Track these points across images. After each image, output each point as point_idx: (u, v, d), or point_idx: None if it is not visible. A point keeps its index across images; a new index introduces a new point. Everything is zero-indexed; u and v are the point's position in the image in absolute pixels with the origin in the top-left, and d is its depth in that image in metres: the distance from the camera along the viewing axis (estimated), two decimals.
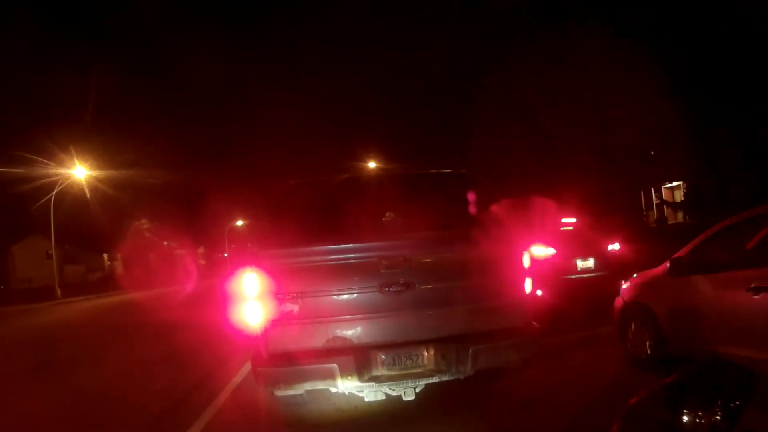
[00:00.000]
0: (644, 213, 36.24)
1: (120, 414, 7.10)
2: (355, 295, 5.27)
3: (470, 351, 5.17)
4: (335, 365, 5.04)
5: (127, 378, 9.16)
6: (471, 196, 5.81)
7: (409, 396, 5.34)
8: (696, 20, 25.63)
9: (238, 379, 8.02)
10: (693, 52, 26.15)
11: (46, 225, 43.62)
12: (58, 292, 40.33)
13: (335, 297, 5.28)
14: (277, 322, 5.22)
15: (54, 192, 40.90)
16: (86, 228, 59.18)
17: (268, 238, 5.63)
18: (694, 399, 1.84)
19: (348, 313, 5.28)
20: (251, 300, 5.26)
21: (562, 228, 12.34)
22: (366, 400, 5.46)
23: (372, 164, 40.23)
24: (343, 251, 5.35)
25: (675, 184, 34.09)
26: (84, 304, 34.42)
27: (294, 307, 5.20)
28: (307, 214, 6.02)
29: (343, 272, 5.28)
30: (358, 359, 5.09)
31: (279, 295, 5.20)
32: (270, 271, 5.27)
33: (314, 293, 5.24)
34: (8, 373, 10.77)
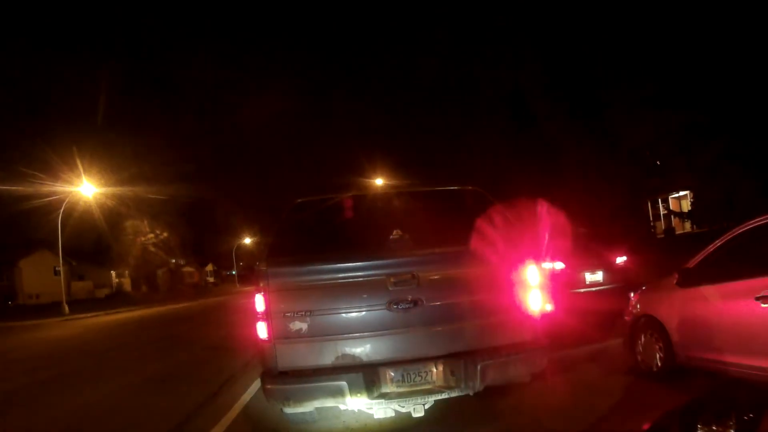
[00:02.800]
0: (651, 223, 36.16)
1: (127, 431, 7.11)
2: (364, 312, 5.27)
3: (479, 366, 5.16)
4: (344, 382, 5.04)
5: (135, 394, 9.16)
6: (479, 212, 5.80)
7: (418, 413, 5.33)
8: (699, 28, 25.63)
9: (247, 396, 8.00)
10: (698, 61, 26.14)
11: (54, 240, 43.71)
12: (66, 308, 40.34)
13: (344, 314, 5.28)
14: (286, 340, 5.22)
15: (62, 208, 41.02)
16: (94, 244, 59.39)
17: (277, 256, 5.62)
18: (708, 417, 1.84)
19: (357, 331, 5.28)
20: (261, 317, 5.26)
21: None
22: (375, 417, 5.46)
23: (379, 181, 40.30)
24: (352, 269, 5.35)
25: (682, 193, 34.00)
26: (92, 320, 34.46)
27: (303, 325, 5.20)
28: (314, 232, 6.03)
29: (352, 290, 5.28)
30: (368, 376, 5.08)
31: (288, 312, 5.21)
32: (279, 289, 5.28)
33: (323, 311, 5.24)
34: (17, 387, 10.78)
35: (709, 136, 26.16)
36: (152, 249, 69.77)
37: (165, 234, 70.82)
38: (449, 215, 5.88)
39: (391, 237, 5.76)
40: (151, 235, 68.71)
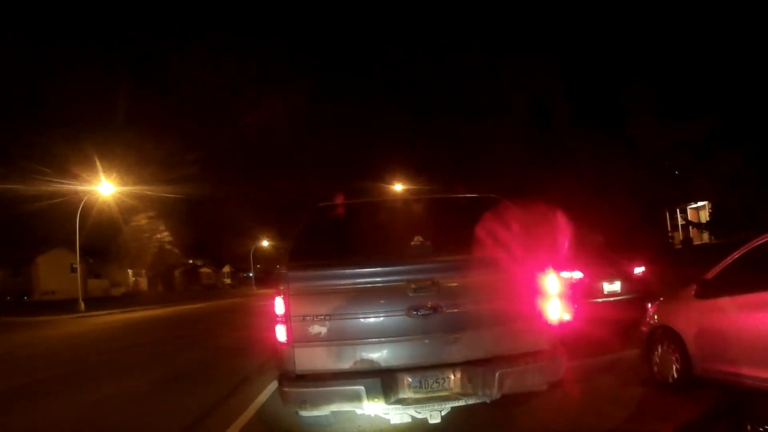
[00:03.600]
0: (669, 234, 35.99)
1: (140, 430, 7.17)
2: (383, 317, 5.29)
3: (497, 374, 5.17)
4: (362, 387, 5.06)
5: (150, 393, 9.22)
6: (499, 220, 5.81)
7: (434, 419, 5.35)
8: (721, 38, 25.54)
9: (262, 398, 8.03)
10: (717, 71, 26.03)
11: (72, 238, 43.99)
12: (82, 305, 40.57)
13: (363, 319, 5.30)
14: (305, 343, 5.25)
15: (80, 207, 41.29)
16: (111, 243, 59.66)
17: (298, 260, 5.66)
18: (724, 429, 1.85)
19: (375, 336, 5.30)
20: (280, 320, 5.29)
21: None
22: (392, 422, 5.47)
23: (398, 186, 40.33)
24: (372, 274, 5.37)
25: (700, 204, 33.83)
26: (107, 318, 34.61)
27: (322, 329, 5.23)
28: (336, 237, 6.05)
29: (372, 295, 5.30)
30: (385, 382, 5.10)
31: (308, 316, 5.24)
32: (299, 293, 5.31)
33: (342, 315, 5.27)
34: (31, 383, 10.88)
35: (727, 147, 26.04)
36: (168, 248, 69.99)
37: (184, 235, 71.08)
38: (470, 223, 5.90)
39: (411, 243, 5.78)
40: (166, 233, 68.91)
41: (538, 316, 5.57)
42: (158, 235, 67.72)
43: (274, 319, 5.36)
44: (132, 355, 14.90)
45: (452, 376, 5.24)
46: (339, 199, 6.61)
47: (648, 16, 28.93)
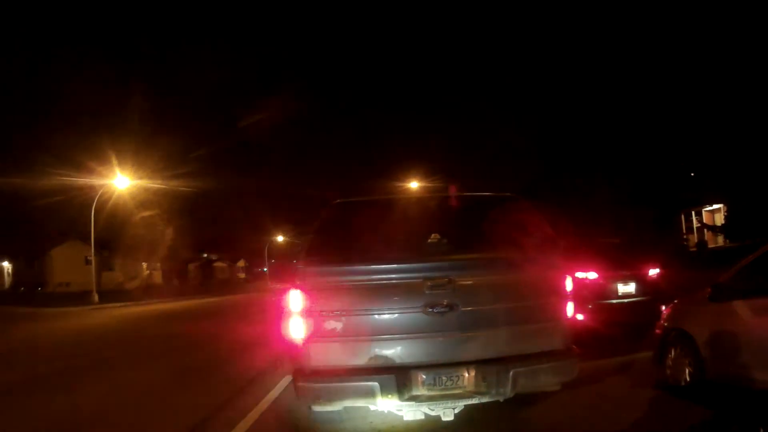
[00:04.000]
0: (684, 236, 35.84)
1: (152, 422, 7.22)
2: (398, 314, 5.32)
3: (511, 373, 5.19)
4: (376, 383, 5.08)
5: (162, 386, 9.30)
6: (515, 219, 5.83)
7: (447, 416, 5.37)
8: (735, 43, 25.46)
9: (275, 392, 8.07)
10: (734, 74, 25.94)
11: (86, 231, 44.28)
12: (96, 297, 40.81)
13: (378, 316, 5.33)
14: (320, 338, 5.28)
15: (95, 200, 41.53)
16: (125, 236, 59.88)
17: (315, 255, 5.69)
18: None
19: (390, 333, 5.32)
20: (296, 315, 5.32)
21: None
22: (405, 419, 5.50)
23: (414, 184, 40.33)
24: (388, 271, 5.40)
25: (715, 207, 33.68)
26: (121, 310, 34.80)
27: (338, 325, 5.26)
28: (353, 233, 6.07)
29: (388, 292, 5.33)
30: (399, 378, 5.12)
31: (323, 311, 5.27)
32: (315, 288, 5.34)
33: (358, 311, 5.30)
34: (49, 373, 10.98)
35: (743, 150, 25.94)
36: (182, 241, 70.16)
37: (198, 229, 71.25)
38: (487, 222, 5.91)
39: (428, 241, 5.81)
40: (180, 227, 69.07)
41: (553, 316, 5.59)
42: (172, 229, 67.90)
43: (289, 314, 5.39)
44: (145, 348, 15.00)
45: (466, 374, 5.26)
46: (356, 196, 6.64)
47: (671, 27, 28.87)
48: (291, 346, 5.50)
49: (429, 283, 5.28)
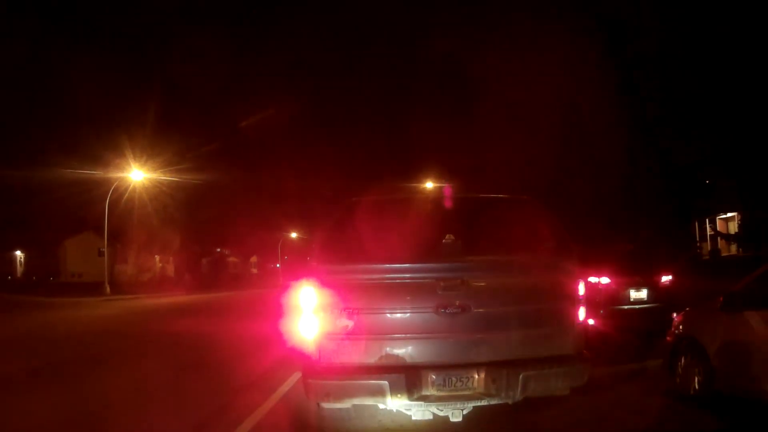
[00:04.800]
0: (698, 244, 35.65)
1: (162, 415, 7.20)
2: (411, 314, 5.33)
3: (521, 376, 5.19)
4: (386, 382, 5.10)
5: (170, 380, 9.28)
6: (531, 223, 5.84)
7: (456, 417, 5.38)
8: (751, 46, 25.28)
9: (284, 388, 8.11)
10: (749, 80, 25.76)
11: (100, 223, 44.54)
12: (107, 288, 41.05)
13: (390, 315, 5.35)
14: (331, 336, 5.30)
15: (110, 193, 41.75)
16: (139, 229, 60.11)
17: (328, 253, 5.72)
18: None
19: (402, 332, 5.34)
20: (308, 312, 5.35)
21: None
22: (413, 418, 5.52)
23: (429, 184, 40.27)
24: (402, 270, 5.42)
25: (729, 215, 33.49)
26: (132, 302, 35.01)
27: (349, 323, 5.27)
28: (367, 232, 6.09)
29: (401, 291, 5.35)
30: (409, 378, 5.13)
31: (335, 309, 5.29)
32: (328, 285, 5.36)
33: (370, 310, 5.31)
34: (61, 362, 11.06)
35: (759, 159, 25.79)
36: (197, 236, 70.38)
37: (212, 223, 71.39)
38: (502, 224, 5.92)
39: (443, 241, 5.81)
40: (198, 224, 69.29)
41: (565, 320, 5.59)
42: (186, 223, 68.07)
43: (301, 311, 5.42)
44: (154, 341, 15.06)
45: (476, 376, 5.26)
46: (371, 195, 6.66)
47: (680, 27, 28.66)
48: (301, 342, 5.52)
49: (442, 284, 5.29)
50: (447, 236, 5.85)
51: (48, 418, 7.12)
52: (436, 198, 7.32)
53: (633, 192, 29.94)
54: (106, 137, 44.10)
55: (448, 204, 6.53)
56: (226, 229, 74.79)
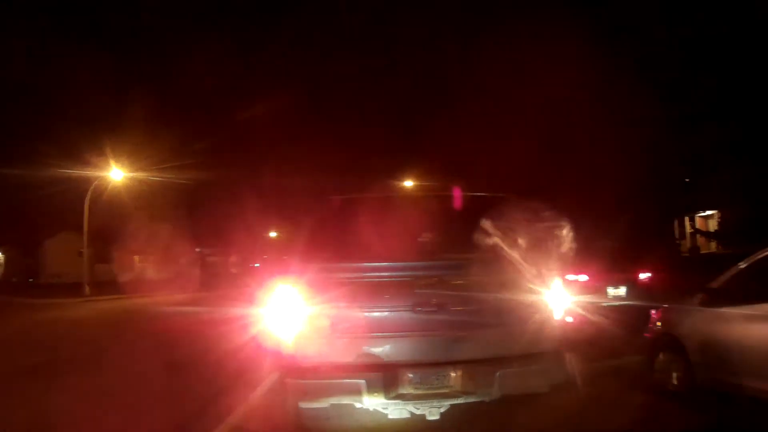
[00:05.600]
0: (677, 241, 35.86)
1: (139, 417, 7.14)
2: (387, 313, 5.31)
3: (497, 374, 5.19)
4: (363, 381, 5.08)
5: (150, 381, 9.20)
6: (509, 220, 5.82)
7: (433, 416, 5.36)
8: (732, 45, 25.46)
9: (263, 389, 8.04)
10: (730, 77, 25.94)
11: (79, 223, 44.21)
12: (87, 289, 40.73)
13: (367, 314, 5.32)
14: (308, 335, 5.27)
15: (89, 193, 41.45)
16: (119, 229, 59.80)
17: (305, 252, 5.68)
18: None
19: (379, 331, 5.32)
20: (284, 311, 5.30)
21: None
22: (390, 417, 5.48)
23: (408, 183, 40.26)
24: (379, 269, 5.40)
25: (709, 213, 33.73)
26: (112, 303, 34.77)
27: (326, 321, 5.24)
28: (343, 230, 6.07)
29: (377, 290, 5.33)
30: (386, 376, 5.12)
31: (312, 308, 5.25)
32: (304, 285, 5.32)
33: (347, 308, 5.29)
34: (45, 362, 10.94)
35: (738, 156, 25.96)
36: (176, 235, 69.99)
37: (191, 223, 71.05)
38: (479, 222, 5.90)
39: (419, 240, 5.79)
40: (178, 224, 68.98)
41: (543, 318, 5.57)
42: (165, 223, 67.75)
43: (278, 310, 5.37)
44: (132, 342, 14.93)
45: (453, 374, 5.26)
46: (348, 193, 6.63)
47: (663, 25, 28.86)
48: (279, 342, 5.48)
49: (419, 282, 5.28)
50: (424, 234, 5.83)
51: (23, 422, 7.03)
52: (415, 196, 7.31)
53: (614, 189, 30.03)
54: (86, 136, 43.76)
55: (426, 202, 6.51)
56: (206, 228, 74.45)
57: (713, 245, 31.97)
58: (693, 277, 12.15)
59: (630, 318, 11.06)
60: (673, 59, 28.24)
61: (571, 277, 11.34)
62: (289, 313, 5.30)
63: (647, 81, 29.14)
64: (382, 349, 5.30)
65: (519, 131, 32.57)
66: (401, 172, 41.42)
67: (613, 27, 30.96)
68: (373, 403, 5.22)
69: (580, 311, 10.87)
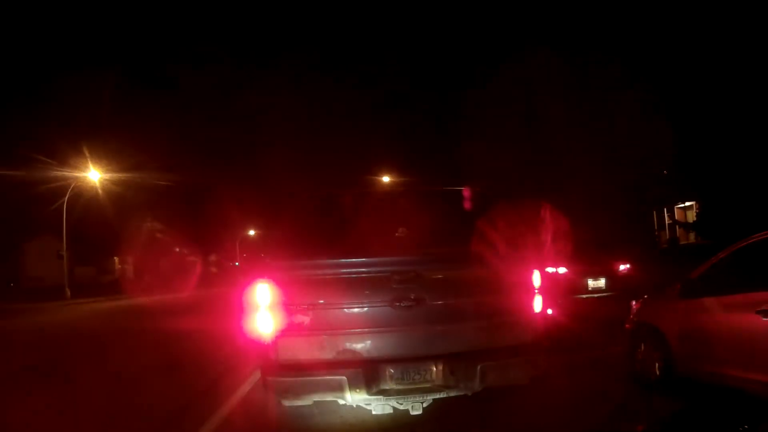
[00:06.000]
0: (656, 233, 36.10)
1: (124, 418, 7.09)
2: (366, 308, 5.31)
3: (479, 367, 5.20)
4: (344, 377, 5.08)
5: (133, 382, 9.14)
6: (483, 213, 5.84)
7: (416, 410, 5.36)
8: (710, 36, 25.66)
9: (246, 387, 8.04)
10: (709, 70, 26.13)
11: (58, 225, 43.88)
12: (68, 292, 40.47)
13: (346, 310, 5.32)
14: (288, 333, 5.26)
15: (67, 194, 41.15)
16: (98, 230, 59.37)
17: (282, 250, 5.68)
18: (703, 427, 1.85)
19: (359, 327, 5.31)
20: (263, 309, 5.29)
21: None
22: (373, 413, 5.48)
23: (385, 178, 40.25)
24: (356, 265, 5.39)
25: (687, 204, 33.98)
26: (93, 305, 34.55)
27: (305, 319, 5.24)
28: (321, 227, 6.07)
29: (355, 286, 5.32)
30: (367, 372, 5.12)
31: (291, 305, 5.25)
32: (283, 282, 5.31)
33: (326, 305, 5.28)
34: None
35: (716, 148, 26.15)
36: (155, 236, 69.65)
37: (170, 223, 70.72)
38: (454, 215, 5.92)
39: (396, 235, 5.80)
40: (157, 224, 68.68)
41: (522, 310, 5.60)
42: (144, 224, 67.39)
43: (256, 308, 5.36)
44: (112, 345, 14.85)
45: (434, 368, 5.26)
46: (324, 190, 6.62)
47: (641, 14, 29.06)
48: (258, 340, 5.46)
49: (396, 277, 5.27)
50: (401, 229, 5.85)
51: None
52: (389, 192, 7.32)
53: (591, 182, 30.18)
54: (65, 137, 43.29)
55: (402, 197, 6.51)
56: (184, 228, 74.08)
57: (692, 236, 32.22)
58: (672, 268, 12.28)
59: (610, 309, 11.14)
60: (650, 49, 28.43)
61: (550, 269, 11.40)
62: (269, 310, 5.28)
63: (625, 68, 29.32)
64: (362, 345, 5.30)
65: (498, 130, 32.66)
66: (378, 167, 41.44)
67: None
68: (355, 399, 5.22)
69: (560, 303, 10.95)
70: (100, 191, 44.57)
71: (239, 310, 5.75)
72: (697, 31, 26.10)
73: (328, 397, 5.38)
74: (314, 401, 5.64)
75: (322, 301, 5.29)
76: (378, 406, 5.33)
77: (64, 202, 41.34)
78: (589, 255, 12.45)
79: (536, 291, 5.64)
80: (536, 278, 5.66)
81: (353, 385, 5.07)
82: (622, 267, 12.44)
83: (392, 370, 5.21)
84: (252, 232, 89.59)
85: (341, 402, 5.46)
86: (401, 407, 5.37)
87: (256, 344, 5.53)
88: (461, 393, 5.31)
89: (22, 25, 71.87)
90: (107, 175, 42.99)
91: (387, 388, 5.20)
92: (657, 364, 7.08)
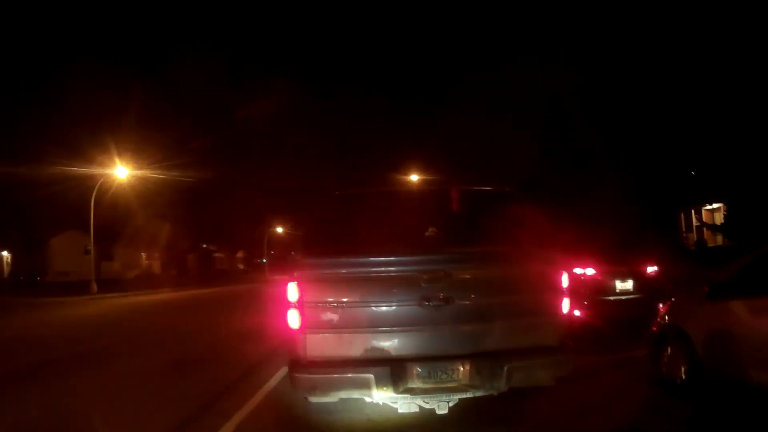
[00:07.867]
0: (684, 234, 35.78)
1: (149, 411, 7.17)
2: (395, 307, 5.32)
3: (505, 368, 5.20)
4: (371, 375, 5.10)
5: (159, 376, 9.28)
6: (513, 214, 5.84)
7: (442, 410, 5.38)
8: (743, 37, 25.40)
9: (272, 382, 8.10)
10: (738, 70, 25.86)
11: (85, 220, 44.29)
12: (94, 287, 40.75)
13: (375, 308, 5.34)
14: (316, 330, 5.30)
15: (95, 190, 41.51)
16: (125, 226, 59.83)
17: (311, 247, 5.71)
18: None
19: (386, 325, 5.33)
20: (293, 306, 5.33)
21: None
22: (399, 411, 5.50)
23: (414, 177, 40.21)
24: (385, 263, 5.41)
25: (715, 206, 33.64)
26: (119, 300, 34.81)
27: (334, 316, 5.27)
28: (350, 225, 6.10)
29: (384, 284, 5.34)
30: (394, 371, 5.14)
31: (319, 303, 5.28)
32: (311, 280, 5.35)
33: (355, 303, 5.31)
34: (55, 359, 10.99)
35: (744, 149, 25.89)
36: (182, 232, 69.99)
37: (197, 219, 71.02)
38: (484, 215, 5.92)
39: (425, 234, 5.81)
40: (184, 220, 69.03)
41: (549, 311, 5.59)
42: (171, 219, 67.74)
43: (286, 305, 5.40)
44: (141, 338, 14.97)
45: (461, 368, 5.27)
46: (354, 188, 6.66)
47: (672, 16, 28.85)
48: (288, 336, 5.51)
49: (425, 276, 5.29)
50: (430, 228, 5.86)
51: (34, 416, 7.13)
52: (420, 190, 7.33)
53: (618, 183, 29.98)
54: (91, 134, 43.70)
55: (431, 196, 6.52)
56: (212, 224, 74.47)
57: (719, 238, 31.91)
58: (700, 270, 12.17)
59: (637, 311, 11.08)
60: (679, 46, 28.22)
61: (578, 270, 11.36)
62: (297, 307, 5.32)
63: (654, 72, 29.11)
64: (390, 344, 5.32)
65: (523, 126, 32.52)
66: (407, 166, 41.42)
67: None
68: (382, 397, 5.24)
69: (587, 304, 10.91)
70: (126, 187, 44.94)
71: (268, 306, 5.80)
72: (730, 29, 25.82)
73: (355, 395, 5.40)
74: (340, 398, 5.68)
75: (350, 299, 5.31)
76: (404, 404, 5.36)
77: (91, 197, 41.69)
78: (616, 256, 12.40)
79: (564, 292, 5.63)
80: (564, 279, 5.65)
81: (380, 383, 5.10)
82: (649, 269, 12.36)
83: (419, 369, 5.22)
84: (280, 230, 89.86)
85: (367, 399, 5.49)
86: (427, 406, 5.39)
87: (285, 340, 5.58)
88: (487, 393, 5.32)
89: (46, 22, 72.57)
90: (134, 172, 43.30)
91: (413, 386, 5.22)
92: (683, 367, 7.02)
